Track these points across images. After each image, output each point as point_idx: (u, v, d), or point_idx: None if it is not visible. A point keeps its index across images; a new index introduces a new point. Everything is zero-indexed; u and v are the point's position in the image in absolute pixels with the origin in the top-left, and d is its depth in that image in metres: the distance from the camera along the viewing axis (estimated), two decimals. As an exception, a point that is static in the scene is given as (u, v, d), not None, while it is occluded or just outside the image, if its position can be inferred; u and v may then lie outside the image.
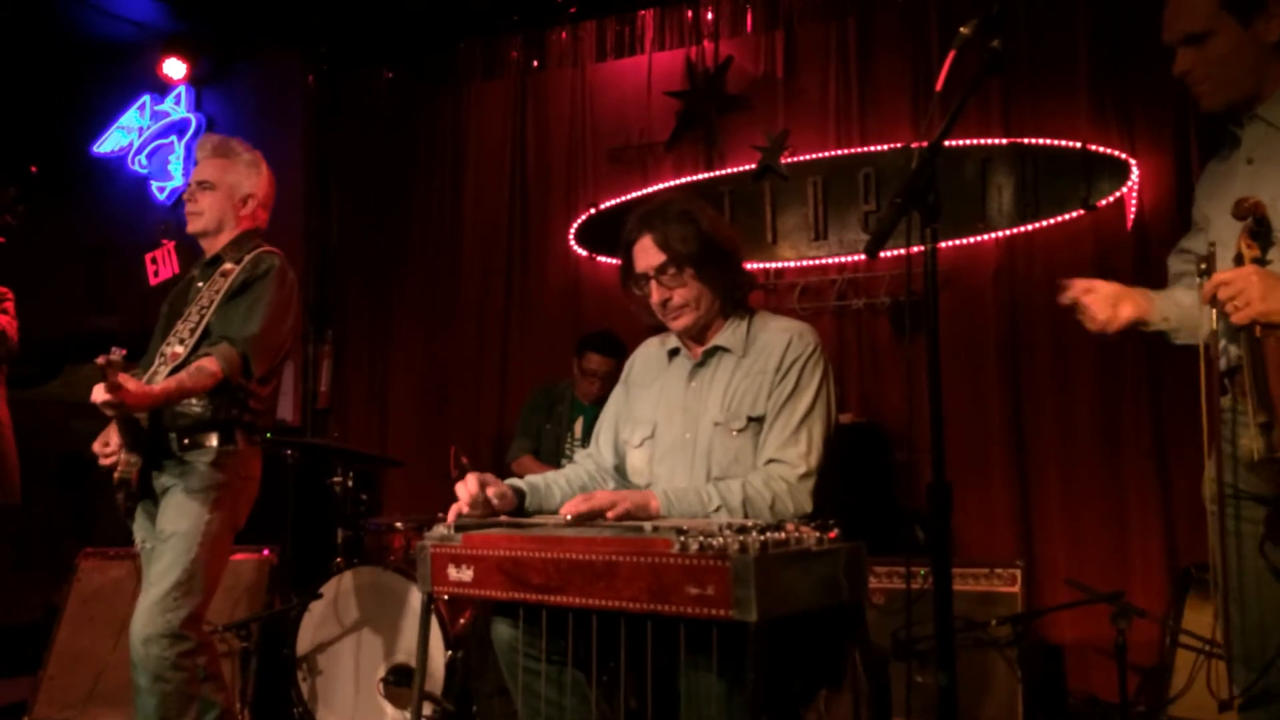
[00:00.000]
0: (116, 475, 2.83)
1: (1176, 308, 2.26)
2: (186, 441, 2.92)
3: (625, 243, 2.49)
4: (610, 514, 2.09)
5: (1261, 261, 1.94)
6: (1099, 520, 4.44)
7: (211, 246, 3.13)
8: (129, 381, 2.64)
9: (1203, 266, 2.02)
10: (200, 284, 3.07)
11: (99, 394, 2.61)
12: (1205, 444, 2.07)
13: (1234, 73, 2.11)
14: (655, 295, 2.43)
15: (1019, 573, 3.77)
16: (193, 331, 2.91)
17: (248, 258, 3.05)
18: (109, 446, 2.88)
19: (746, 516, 2.18)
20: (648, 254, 2.43)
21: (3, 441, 3.99)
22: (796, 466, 2.28)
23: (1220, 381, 2.09)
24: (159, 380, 2.81)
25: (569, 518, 2.10)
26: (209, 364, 2.83)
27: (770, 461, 2.30)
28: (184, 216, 3.17)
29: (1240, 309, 1.88)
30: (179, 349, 2.86)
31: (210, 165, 3.10)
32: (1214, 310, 1.98)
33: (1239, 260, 1.96)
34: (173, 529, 2.86)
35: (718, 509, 2.19)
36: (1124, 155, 4.48)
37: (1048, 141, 4.58)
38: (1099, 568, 4.32)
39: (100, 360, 2.55)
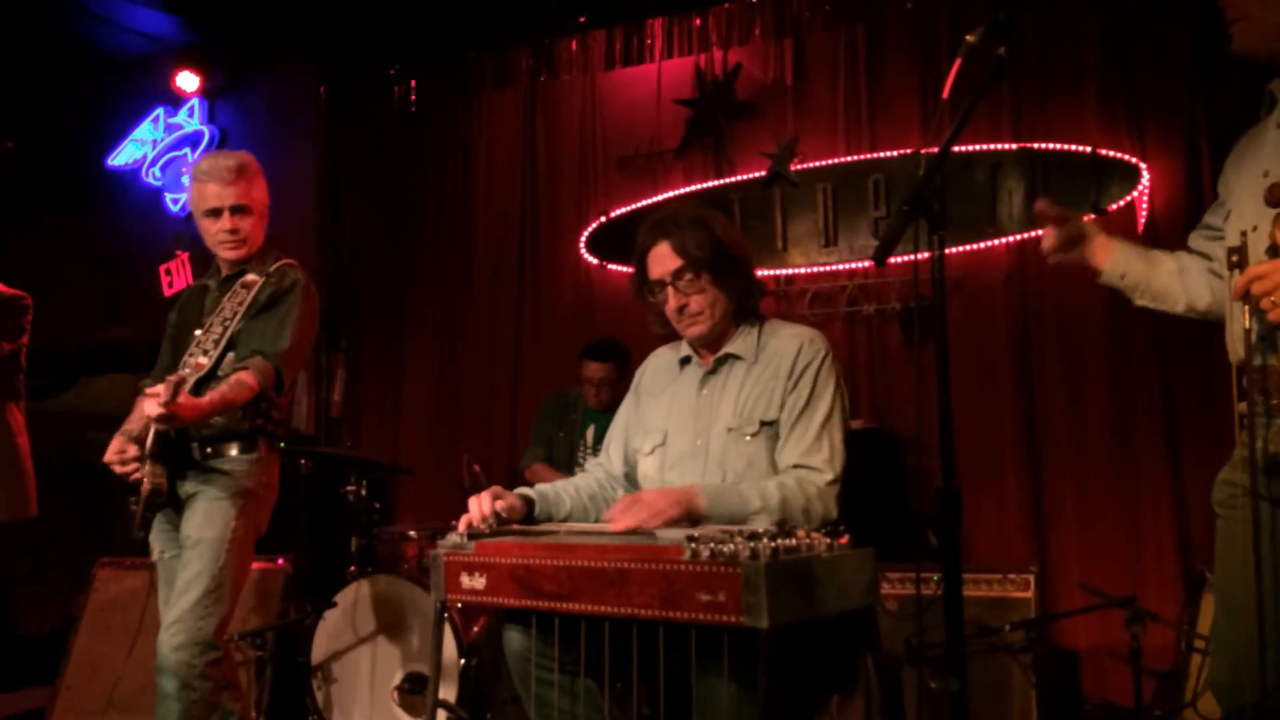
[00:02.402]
0: (147, 485, 2.83)
1: (1143, 266, 2.18)
2: (210, 450, 2.94)
3: (640, 250, 2.50)
4: (659, 521, 2.06)
5: None
6: (1112, 524, 4.43)
7: (243, 260, 3.13)
8: (182, 396, 2.67)
9: (1234, 259, 1.89)
10: (218, 295, 3.09)
11: (154, 408, 2.64)
12: (1238, 448, 1.97)
13: (1271, 12, 1.97)
14: (672, 301, 2.44)
15: (1032, 578, 3.75)
16: (216, 343, 2.93)
17: (272, 269, 3.08)
18: (124, 455, 2.90)
19: (784, 517, 2.18)
20: (664, 260, 2.44)
21: (18, 454, 4.01)
22: (823, 472, 2.28)
23: (1238, 381, 1.97)
24: (185, 389, 2.82)
25: (609, 526, 2.06)
26: (246, 378, 2.86)
27: (796, 467, 2.30)
28: (196, 228, 3.15)
29: (1277, 305, 1.75)
30: (203, 360, 2.88)
31: (238, 188, 3.06)
32: (1246, 308, 1.85)
33: (1273, 252, 1.82)
34: (199, 535, 2.88)
35: (758, 510, 2.19)
36: (1134, 159, 4.48)
37: (1058, 146, 4.58)
38: (1113, 572, 4.30)
39: (172, 378, 2.63)
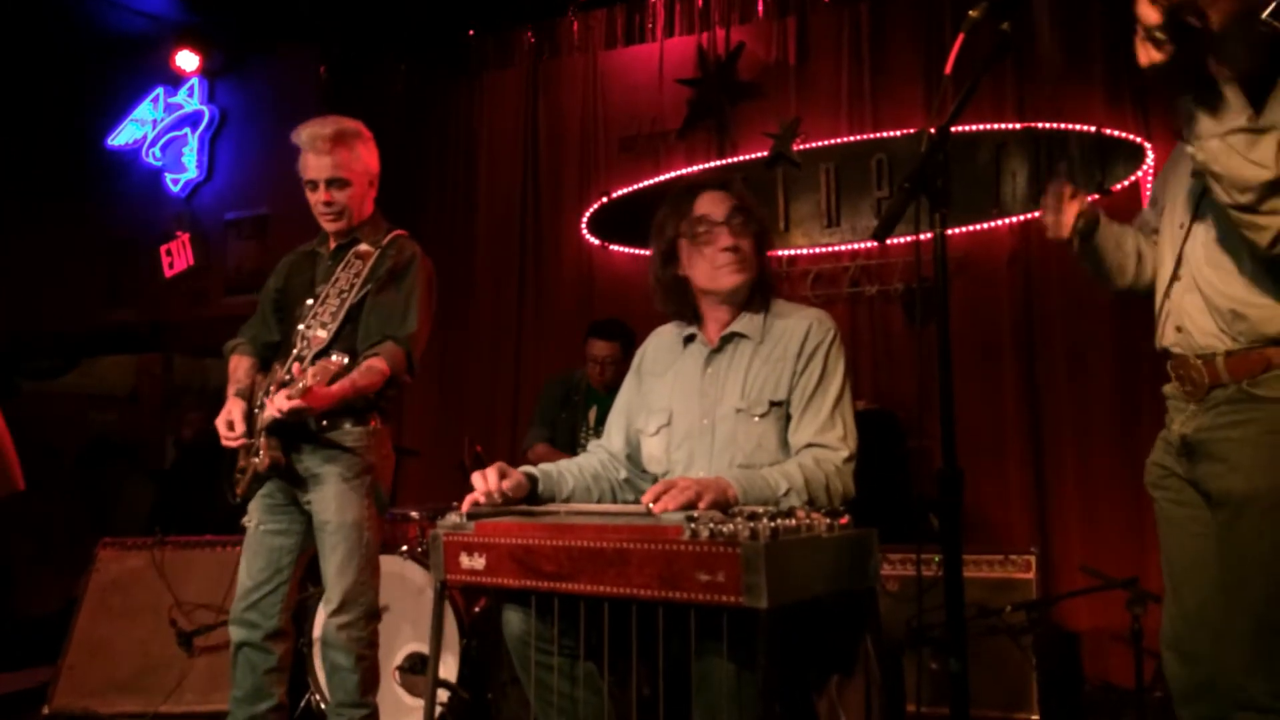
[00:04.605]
0: (265, 459, 2.84)
1: (1112, 246, 2.28)
2: (325, 423, 2.93)
3: (683, 198, 2.47)
4: (701, 505, 2.01)
5: None
6: (1115, 506, 4.42)
7: (348, 230, 3.09)
8: (314, 385, 2.68)
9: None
10: (331, 263, 3.06)
11: (287, 401, 2.65)
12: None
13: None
14: (725, 240, 2.40)
15: (1034, 559, 3.76)
16: (334, 316, 2.93)
17: (386, 240, 3.05)
18: (234, 431, 2.88)
19: (809, 497, 2.17)
20: (719, 202, 2.43)
21: None
22: (839, 450, 2.28)
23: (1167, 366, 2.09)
24: (305, 363, 2.85)
25: (652, 508, 2.00)
26: (378, 364, 2.88)
27: (811, 446, 2.29)
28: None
29: None
30: (321, 333, 2.88)
31: (334, 159, 3.01)
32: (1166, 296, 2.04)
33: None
34: (340, 520, 2.92)
35: (786, 492, 2.17)
36: (1139, 139, 4.45)
37: (1062, 126, 4.55)
38: (1115, 553, 4.30)
39: (297, 377, 2.64)
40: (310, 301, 3.00)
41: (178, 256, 6.53)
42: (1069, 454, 4.56)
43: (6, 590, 5.27)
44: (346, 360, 2.76)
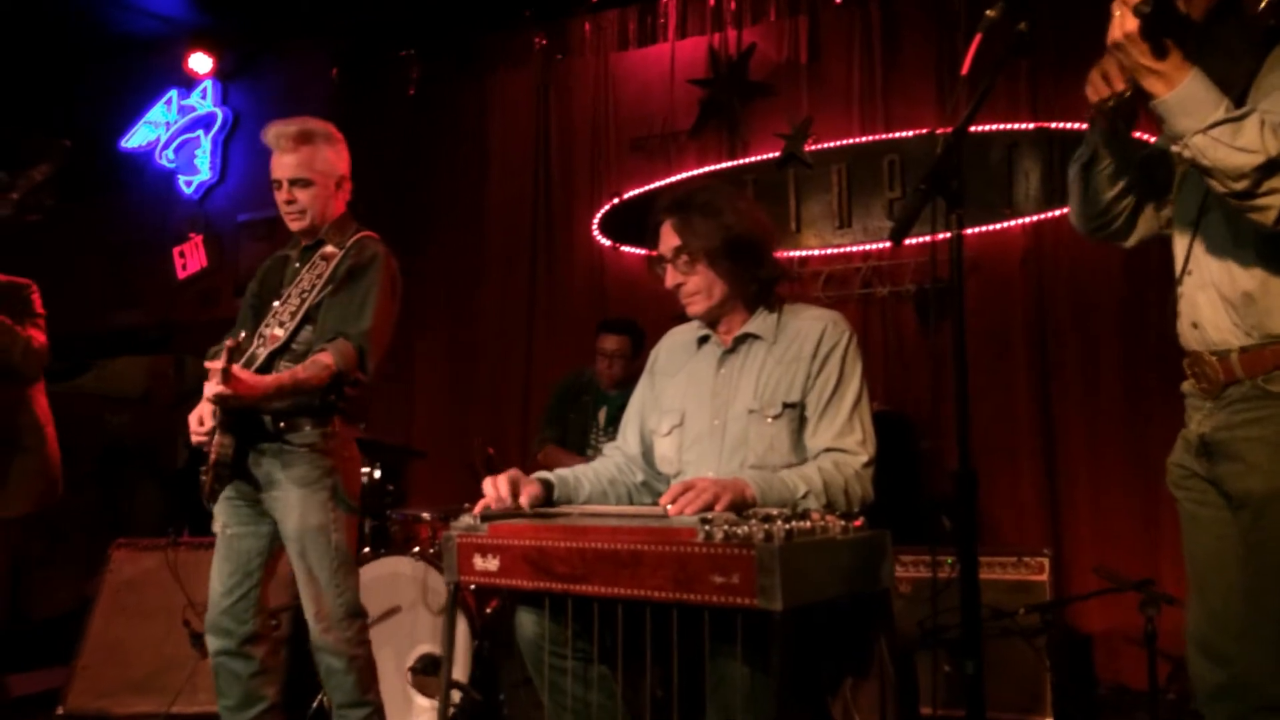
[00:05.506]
0: (214, 456, 2.78)
1: (1125, 153, 2.25)
2: (283, 425, 2.88)
3: (652, 225, 2.50)
4: (719, 506, 2.02)
5: None
6: (1128, 507, 4.41)
7: (313, 231, 3.07)
8: (241, 372, 2.65)
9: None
10: (298, 265, 3.04)
11: (212, 388, 2.62)
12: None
13: None
14: (669, 279, 2.45)
15: (1047, 561, 3.75)
16: (293, 315, 2.89)
17: (350, 241, 3.03)
18: (204, 426, 2.83)
19: (828, 500, 2.17)
20: (667, 238, 2.45)
21: (49, 444, 3.96)
22: (858, 455, 2.27)
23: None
24: (257, 362, 2.82)
25: (669, 510, 2.02)
26: (324, 358, 2.81)
27: (829, 450, 2.28)
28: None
29: None
30: (278, 331, 2.85)
31: (297, 158, 2.98)
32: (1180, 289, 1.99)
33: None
34: (302, 526, 2.86)
35: (805, 495, 2.17)
36: (1151, 139, 4.42)
37: (1075, 125, 4.53)
38: (1128, 555, 4.29)
39: (223, 359, 2.59)
40: (276, 303, 2.98)
41: (190, 258, 6.56)
42: (1082, 455, 4.54)
43: (20, 591, 5.29)
44: (244, 334, 2.74)
